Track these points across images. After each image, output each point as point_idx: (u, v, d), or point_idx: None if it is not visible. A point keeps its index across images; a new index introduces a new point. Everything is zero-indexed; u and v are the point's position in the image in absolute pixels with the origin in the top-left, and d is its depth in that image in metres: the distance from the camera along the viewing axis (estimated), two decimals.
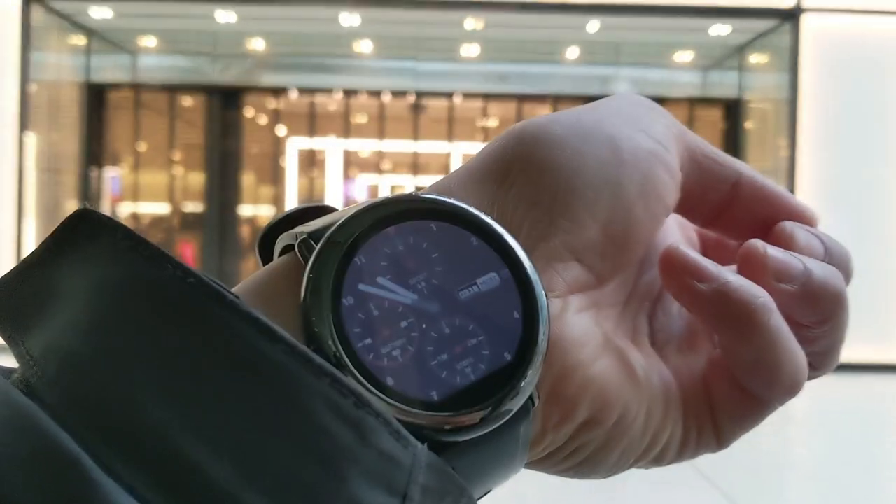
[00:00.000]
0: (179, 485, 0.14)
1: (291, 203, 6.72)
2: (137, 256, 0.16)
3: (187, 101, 6.83)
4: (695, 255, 0.21)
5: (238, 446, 0.15)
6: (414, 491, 0.15)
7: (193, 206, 6.83)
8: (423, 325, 0.17)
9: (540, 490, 2.27)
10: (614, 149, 0.20)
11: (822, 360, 0.23)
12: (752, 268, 0.21)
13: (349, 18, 5.93)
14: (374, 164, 7.05)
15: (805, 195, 5.35)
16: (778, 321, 0.21)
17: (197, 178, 6.76)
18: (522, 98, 6.67)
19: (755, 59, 6.30)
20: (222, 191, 6.65)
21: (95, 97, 6.43)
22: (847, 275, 0.23)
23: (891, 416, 4.23)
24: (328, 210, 0.22)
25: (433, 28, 6.21)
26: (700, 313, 0.21)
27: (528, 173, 0.20)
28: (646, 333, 0.23)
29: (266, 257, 0.22)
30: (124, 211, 6.79)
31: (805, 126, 5.38)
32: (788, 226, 0.23)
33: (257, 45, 6.64)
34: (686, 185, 0.23)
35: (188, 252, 6.80)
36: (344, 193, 6.86)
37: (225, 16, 6.00)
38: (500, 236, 0.19)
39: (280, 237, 0.21)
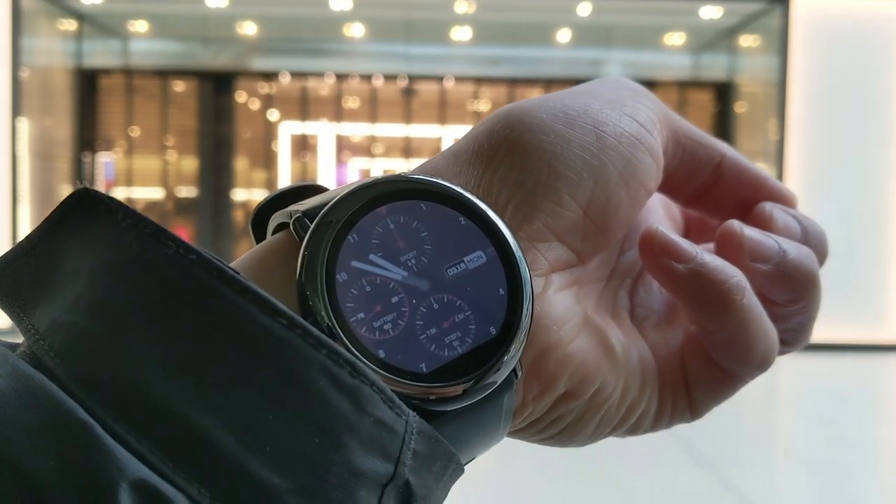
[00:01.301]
0: (186, 453, 0.15)
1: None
2: (139, 234, 0.16)
3: (179, 85, 6.81)
4: (672, 236, 0.21)
5: (241, 415, 0.15)
6: (406, 456, 0.16)
7: (187, 191, 6.83)
8: (413, 301, 0.18)
9: (531, 467, 2.31)
10: (598, 133, 0.21)
11: (794, 336, 0.24)
12: (729, 247, 0.22)
13: (340, 2, 5.92)
14: (366, 149, 7.05)
15: (795, 178, 5.39)
16: (751, 300, 0.21)
17: (190, 163, 6.76)
18: (514, 81, 6.67)
19: (746, 41, 6.30)
20: (216, 175, 6.65)
21: (87, 82, 6.40)
22: (823, 255, 0.24)
23: (876, 395, 4.29)
24: (320, 189, 0.22)
25: (425, 11, 6.20)
26: (676, 292, 0.22)
27: (514, 156, 0.20)
28: (626, 309, 0.24)
29: (259, 235, 0.23)
30: (118, 196, 6.77)
31: (795, 109, 5.40)
32: (767, 207, 0.24)
33: (248, 29, 6.62)
34: (669, 166, 0.23)
35: (183, 236, 6.79)
36: (336, 177, 6.86)
37: None
38: (486, 216, 0.19)
39: (274, 216, 0.21)
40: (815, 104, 5.40)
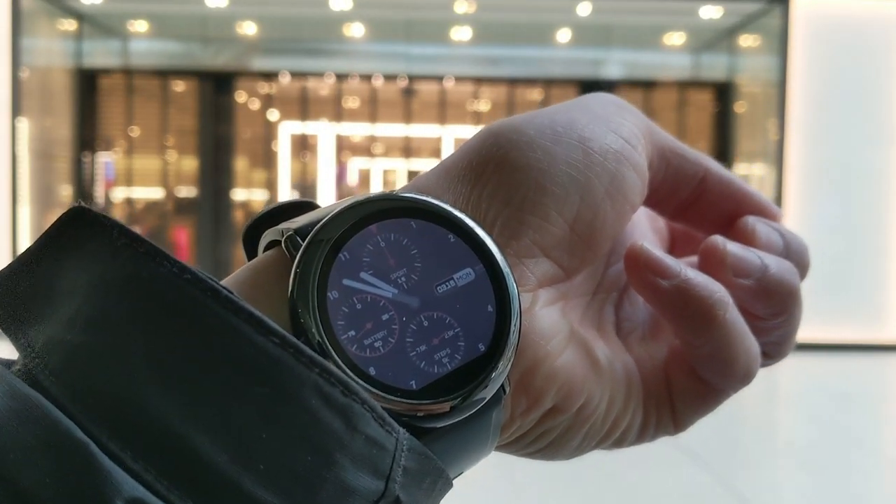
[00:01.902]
0: (181, 471, 0.15)
1: (284, 187, 6.73)
2: (134, 253, 0.17)
3: (179, 85, 6.81)
4: (657, 253, 0.22)
5: (236, 434, 0.15)
6: (397, 473, 0.17)
7: (187, 191, 6.83)
8: (404, 318, 0.18)
9: (528, 472, 2.31)
10: (584, 150, 0.21)
11: (776, 349, 0.24)
12: (712, 263, 0.23)
13: (340, 2, 5.92)
14: (366, 148, 7.05)
15: (795, 177, 5.39)
16: (734, 316, 0.22)
17: (190, 163, 6.76)
18: (514, 81, 6.67)
19: (746, 41, 6.31)
20: (215, 175, 6.65)
21: (87, 82, 6.41)
22: (804, 268, 0.24)
23: (877, 395, 4.29)
24: (311, 206, 0.23)
25: (424, 11, 6.21)
26: (661, 308, 0.22)
27: (502, 173, 0.21)
28: (612, 322, 0.24)
29: (250, 250, 0.24)
30: (118, 196, 6.78)
31: (795, 109, 5.40)
32: (750, 221, 0.24)
33: (248, 29, 6.63)
34: (654, 180, 0.24)
35: (183, 237, 6.81)
36: (336, 177, 6.87)
37: None
38: (475, 233, 0.19)
39: (266, 233, 0.21)
40: (815, 104, 5.40)
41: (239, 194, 6.94)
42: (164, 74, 6.62)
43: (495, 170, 0.21)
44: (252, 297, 0.19)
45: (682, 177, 0.24)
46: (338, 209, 0.19)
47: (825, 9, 5.41)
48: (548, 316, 0.21)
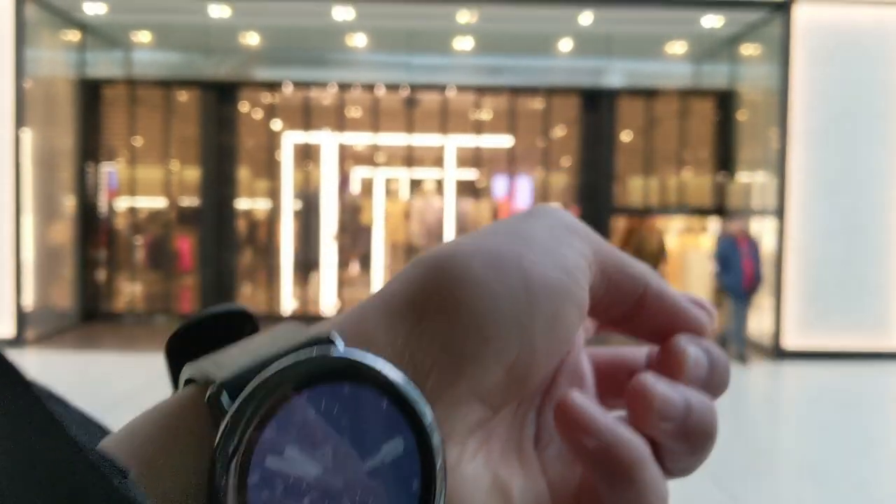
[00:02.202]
0: None
1: (287, 196, 6.74)
2: (30, 428, 0.16)
3: (182, 95, 6.84)
4: (586, 409, 0.22)
5: None
6: None
7: (190, 201, 6.85)
8: (325, 502, 0.18)
9: None
10: (527, 289, 0.22)
11: (682, 472, 0.25)
12: (639, 405, 0.23)
13: (343, 12, 5.94)
14: (368, 157, 7.07)
15: (796, 186, 5.39)
16: (653, 474, 0.22)
17: (193, 173, 6.78)
18: (516, 90, 6.68)
19: (747, 50, 6.32)
20: (218, 185, 6.66)
21: (90, 92, 6.43)
22: (724, 386, 0.25)
23: (882, 403, 4.28)
24: (241, 317, 0.23)
25: (426, 21, 6.23)
26: (583, 462, 0.23)
27: (443, 315, 0.21)
28: (531, 436, 0.24)
29: (174, 364, 0.23)
30: (121, 206, 6.80)
31: (796, 117, 5.41)
32: (682, 342, 0.25)
33: (251, 39, 6.66)
34: (595, 296, 0.24)
35: (186, 246, 6.82)
36: (339, 186, 6.88)
37: (218, 10, 6.01)
38: (408, 401, 0.19)
39: (187, 365, 0.21)
40: (816, 112, 5.41)
41: (242, 203, 6.95)
42: (168, 85, 6.65)
43: (437, 310, 0.21)
44: (168, 447, 0.19)
45: (622, 293, 0.25)
46: (266, 375, 0.18)
47: (825, 18, 5.42)
48: (472, 471, 0.21)
